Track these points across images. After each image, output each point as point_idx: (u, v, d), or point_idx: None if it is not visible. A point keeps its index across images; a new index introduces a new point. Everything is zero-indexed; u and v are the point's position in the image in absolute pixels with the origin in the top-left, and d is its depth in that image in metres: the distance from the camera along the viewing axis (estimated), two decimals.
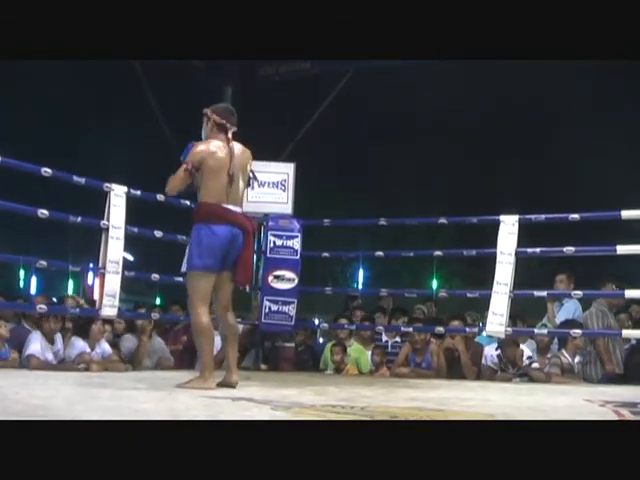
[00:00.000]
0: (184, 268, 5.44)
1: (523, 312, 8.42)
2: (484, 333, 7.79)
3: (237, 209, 5.44)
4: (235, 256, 5.38)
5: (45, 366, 6.79)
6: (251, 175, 5.65)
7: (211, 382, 5.26)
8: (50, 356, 7.03)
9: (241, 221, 5.42)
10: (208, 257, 5.28)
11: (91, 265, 7.67)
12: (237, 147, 5.48)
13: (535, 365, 7.52)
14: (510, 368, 7.55)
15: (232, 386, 5.32)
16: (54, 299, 7.99)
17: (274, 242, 8.21)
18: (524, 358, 7.57)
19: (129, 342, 7.91)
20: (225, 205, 5.35)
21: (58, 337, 7.23)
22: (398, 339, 8.60)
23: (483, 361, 7.81)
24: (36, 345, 6.92)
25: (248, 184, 5.67)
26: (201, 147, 5.39)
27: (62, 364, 7.04)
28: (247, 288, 7.94)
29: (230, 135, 5.47)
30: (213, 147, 5.38)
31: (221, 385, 5.32)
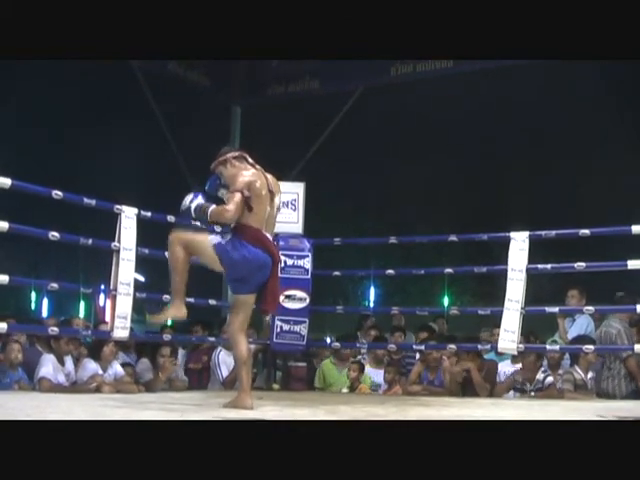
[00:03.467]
0: (214, 241, 5.43)
1: (535, 328, 8.38)
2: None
3: (270, 237, 5.51)
4: (260, 283, 5.44)
5: (57, 388, 6.79)
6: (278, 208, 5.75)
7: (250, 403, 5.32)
8: (62, 378, 7.03)
9: (274, 251, 5.50)
10: (250, 281, 5.39)
11: (102, 287, 7.67)
12: (268, 175, 5.55)
13: (549, 379, 7.49)
14: (528, 386, 7.52)
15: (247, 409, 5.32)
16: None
17: (285, 262, 8.20)
18: (540, 371, 7.55)
19: (143, 365, 7.91)
20: (264, 232, 5.42)
21: (68, 359, 7.24)
22: None
23: (497, 378, 7.79)
24: (48, 368, 6.92)
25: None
26: (245, 172, 5.41)
27: (74, 386, 7.05)
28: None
29: (252, 161, 5.54)
30: (253, 173, 5.44)
31: (233, 407, 5.30)
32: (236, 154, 5.53)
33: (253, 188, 5.36)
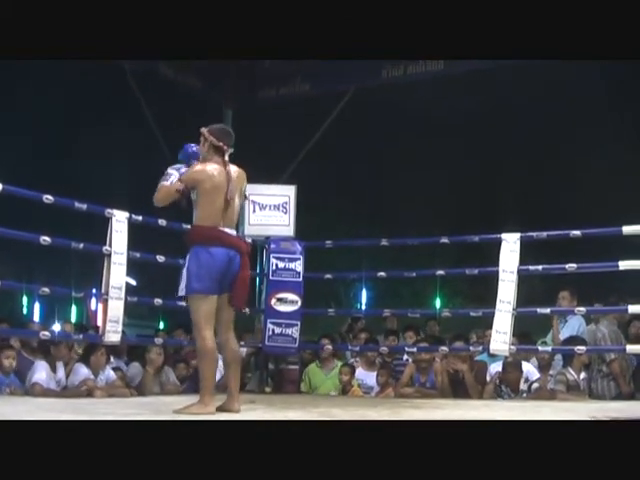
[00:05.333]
0: (182, 292, 5.41)
1: (528, 330, 8.37)
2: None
3: (232, 231, 5.41)
4: (232, 278, 5.33)
5: (49, 393, 6.79)
6: (245, 197, 5.68)
7: (211, 407, 5.18)
8: (53, 385, 7.03)
9: (236, 243, 5.40)
10: (207, 280, 5.24)
11: (94, 291, 7.66)
12: (233, 169, 5.44)
13: (535, 385, 7.50)
14: (511, 394, 7.53)
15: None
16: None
17: (276, 265, 8.21)
18: (522, 382, 7.56)
19: (134, 369, 7.90)
20: (221, 228, 5.33)
21: (60, 365, 7.24)
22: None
23: (488, 379, 7.79)
24: (41, 374, 6.92)
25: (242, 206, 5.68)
26: (198, 168, 5.37)
27: (66, 391, 7.04)
28: (247, 310, 7.91)
29: (227, 157, 5.43)
30: (210, 169, 5.34)
31: (222, 410, 5.27)
32: (217, 144, 5.41)
33: (202, 186, 5.30)
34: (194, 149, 5.53)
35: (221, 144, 5.42)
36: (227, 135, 5.53)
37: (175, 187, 5.36)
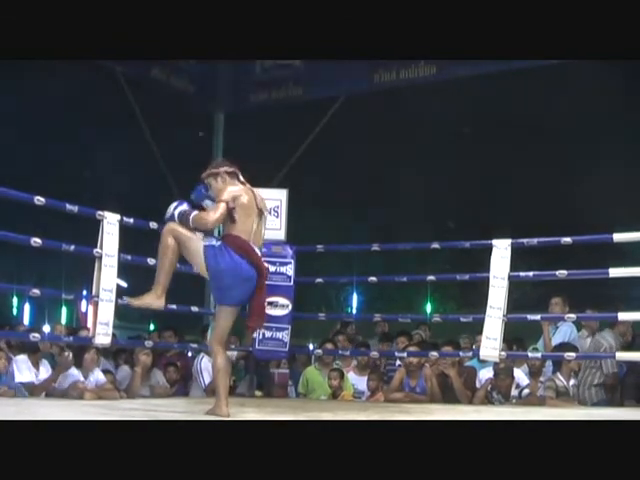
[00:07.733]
0: (206, 242, 5.41)
1: (520, 336, 8.38)
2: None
3: (258, 251, 5.49)
4: (243, 294, 5.42)
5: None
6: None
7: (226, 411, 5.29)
8: (30, 378, 7.04)
9: (260, 264, 5.48)
10: (234, 291, 5.36)
11: (84, 293, 7.64)
12: (257, 192, 5.56)
13: (525, 392, 7.51)
14: (502, 400, 7.54)
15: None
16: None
17: (267, 269, 8.19)
18: (513, 388, 7.57)
19: (123, 372, 7.89)
20: (251, 244, 5.40)
21: (44, 363, 7.23)
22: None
23: (477, 385, 7.80)
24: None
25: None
26: (232, 187, 5.42)
27: (55, 392, 7.03)
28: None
29: (242, 179, 5.53)
30: (241, 187, 5.45)
31: (211, 414, 5.29)
32: (230, 170, 5.51)
33: (239, 202, 5.36)
34: (207, 191, 5.54)
35: (234, 169, 5.53)
36: (232, 162, 5.63)
37: (222, 206, 5.32)
